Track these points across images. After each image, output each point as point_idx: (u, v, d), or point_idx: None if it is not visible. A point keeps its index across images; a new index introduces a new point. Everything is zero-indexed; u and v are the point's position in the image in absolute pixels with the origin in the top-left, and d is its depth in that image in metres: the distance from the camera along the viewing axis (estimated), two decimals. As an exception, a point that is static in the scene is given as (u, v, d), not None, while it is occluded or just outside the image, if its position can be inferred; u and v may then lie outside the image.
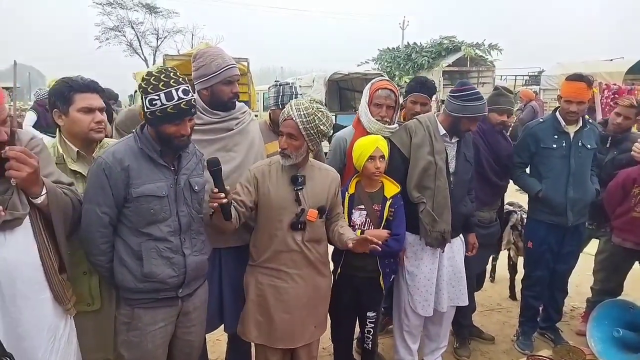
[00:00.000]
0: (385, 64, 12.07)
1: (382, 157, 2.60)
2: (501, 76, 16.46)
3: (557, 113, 3.25)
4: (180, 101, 1.86)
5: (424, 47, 11.87)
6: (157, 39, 33.39)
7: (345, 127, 3.08)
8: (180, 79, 1.90)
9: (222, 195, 2.01)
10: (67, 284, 1.86)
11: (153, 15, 32.63)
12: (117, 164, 1.88)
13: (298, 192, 2.28)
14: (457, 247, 2.97)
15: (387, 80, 2.98)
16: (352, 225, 2.59)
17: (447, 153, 2.81)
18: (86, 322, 2.06)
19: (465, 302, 3.00)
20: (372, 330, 2.77)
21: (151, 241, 1.95)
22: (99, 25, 31.95)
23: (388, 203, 2.61)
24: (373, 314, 2.75)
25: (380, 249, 2.27)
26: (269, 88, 3.15)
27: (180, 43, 33.17)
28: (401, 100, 3.10)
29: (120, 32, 32.57)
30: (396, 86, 2.96)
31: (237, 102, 2.53)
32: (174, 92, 1.84)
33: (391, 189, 2.66)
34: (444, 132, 2.80)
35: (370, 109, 2.82)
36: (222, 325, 2.62)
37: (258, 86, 12.55)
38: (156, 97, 1.84)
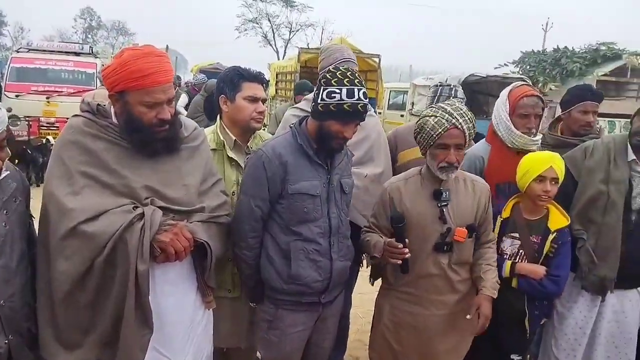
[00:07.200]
0: (528, 67, 10.99)
1: (555, 180, 2.18)
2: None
3: None
4: (359, 102, 1.83)
5: (576, 52, 10.60)
6: (290, 32, 35.04)
7: (478, 133, 2.67)
8: (363, 82, 1.90)
9: (407, 250, 1.93)
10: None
11: (289, 8, 34.31)
12: (276, 158, 1.87)
13: (442, 209, 2.03)
14: (631, 303, 2.41)
15: (528, 84, 2.57)
16: (500, 254, 2.25)
17: (632, 185, 2.30)
18: (224, 309, 2.08)
19: None
20: None
21: (300, 241, 1.91)
22: (240, 17, 34.48)
23: (552, 237, 2.20)
24: (518, 358, 2.38)
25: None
26: (429, 88, 2.92)
27: (310, 37, 34.43)
28: (546, 112, 2.66)
29: (257, 24, 34.80)
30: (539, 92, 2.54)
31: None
32: (356, 91, 1.83)
33: (559, 220, 2.23)
34: (634, 157, 2.29)
35: (514, 121, 2.40)
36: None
37: (386, 84, 12.34)
38: (337, 91, 1.81)
